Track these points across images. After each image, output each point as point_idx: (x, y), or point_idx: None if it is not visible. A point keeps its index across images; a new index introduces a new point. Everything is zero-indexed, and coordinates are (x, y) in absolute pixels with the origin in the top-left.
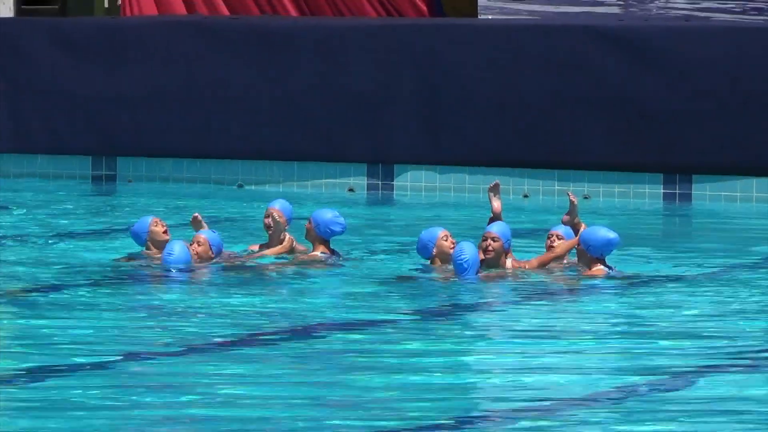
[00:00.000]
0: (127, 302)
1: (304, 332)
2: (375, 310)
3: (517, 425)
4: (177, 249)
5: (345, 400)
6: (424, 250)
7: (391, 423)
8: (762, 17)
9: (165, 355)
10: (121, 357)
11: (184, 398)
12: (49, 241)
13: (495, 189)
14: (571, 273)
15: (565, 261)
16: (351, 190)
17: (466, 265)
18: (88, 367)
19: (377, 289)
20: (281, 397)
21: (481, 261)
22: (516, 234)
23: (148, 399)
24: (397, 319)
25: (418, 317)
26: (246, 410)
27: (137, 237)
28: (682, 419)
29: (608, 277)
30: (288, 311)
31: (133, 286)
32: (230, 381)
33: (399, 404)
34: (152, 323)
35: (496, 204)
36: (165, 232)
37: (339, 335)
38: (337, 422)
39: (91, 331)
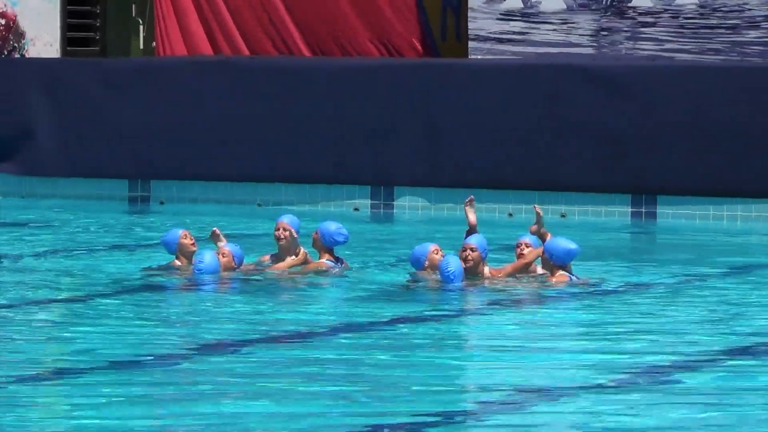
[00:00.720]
0: (155, 309)
1: (309, 336)
2: (373, 315)
3: (498, 423)
4: (207, 258)
5: (348, 398)
6: (416, 262)
7: (388, 420)
8: (718, 57)
9: (187, 359)
10: (135, 361)
11: (205, 402)
12: (89, 254)
13: (470, 204)
14: (537, 281)
15: (532, 268)
16: (356, 209)
17: (452, 276)
18: (115, 370)
19: (376, 296)
20: (289, 395)
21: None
22: (503, 247)
23: (168, 403)
24: (393, 323)
25: (411, 322)
26: (257, 419)
27: (168, 246)
28: (652, 422)
29: (571, 283)
30: (297, 317)
31: (162, 294)
32: (247, 385)
33: (397, 403)
34: (177, 329)
35: (472, 217)
36: (193, 244)
37: (342, 338)
38: (340, 419)
39: (121, 336)
